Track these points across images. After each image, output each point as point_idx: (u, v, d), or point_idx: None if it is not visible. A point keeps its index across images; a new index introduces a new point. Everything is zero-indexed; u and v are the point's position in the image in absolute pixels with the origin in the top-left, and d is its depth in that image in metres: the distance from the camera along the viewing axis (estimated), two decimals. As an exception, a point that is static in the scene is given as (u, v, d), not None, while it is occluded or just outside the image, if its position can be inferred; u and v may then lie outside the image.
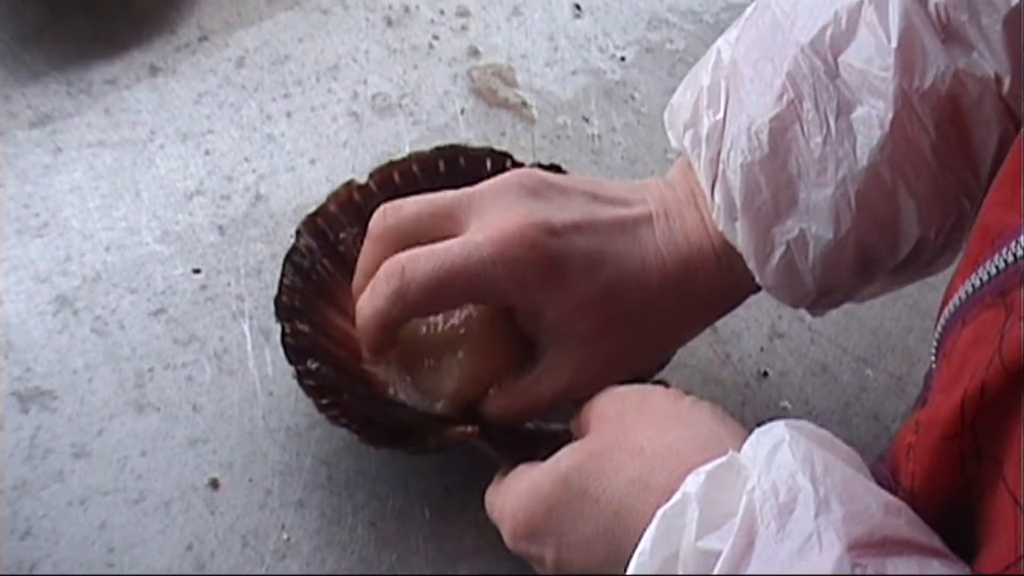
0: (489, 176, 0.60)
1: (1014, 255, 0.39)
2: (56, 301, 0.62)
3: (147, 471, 0.58)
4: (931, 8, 0.49)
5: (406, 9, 0.78)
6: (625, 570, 0.42)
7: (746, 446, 0.43)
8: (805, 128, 0.50)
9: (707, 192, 0.54)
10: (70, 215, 0.65)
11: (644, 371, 0.59)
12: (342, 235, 0.60)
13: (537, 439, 0.55)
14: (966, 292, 0.41)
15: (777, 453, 0.41)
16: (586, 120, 0.75)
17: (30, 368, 0.60)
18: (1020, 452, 0.35)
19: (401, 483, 0.59)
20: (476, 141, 0.72)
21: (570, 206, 0.54)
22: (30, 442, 0.57)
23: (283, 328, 0.56)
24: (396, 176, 0.61)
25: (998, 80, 0.48)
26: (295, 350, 0.56)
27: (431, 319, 0.56)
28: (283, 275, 0.58)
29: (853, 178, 0.50)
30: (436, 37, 0.77)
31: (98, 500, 0.56)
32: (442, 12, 0.78)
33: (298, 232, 0.60)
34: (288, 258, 0.59)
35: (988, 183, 0.50)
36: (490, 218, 0.53)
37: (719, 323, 0.66)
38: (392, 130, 0.72)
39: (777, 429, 0.42)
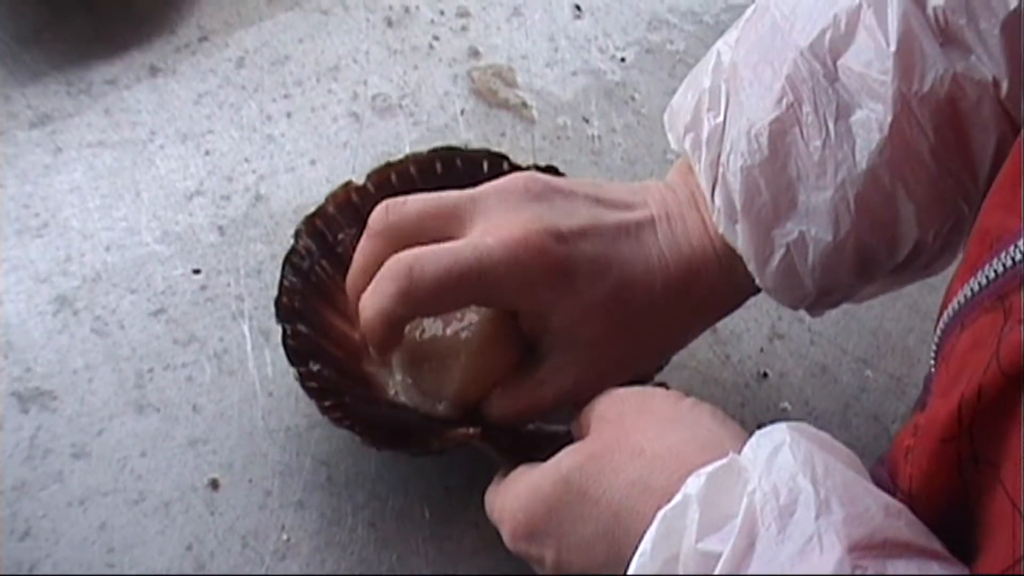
0: (486, 177, 0.60)
1: (1013, 259, 0.39)
2: (56, 301, 0.62)
3: (147, 471, 0.58)
4: (929, 12, 0.49)
5: (406, 10, 0.78)
6: (625, 571, 0.42)
7: (746, 448, 0.43)
8: (804, 131, 0.51)
9: (707, 195, 0.54)
10: (70, 215, 0.65)
11: (644, 373, 0.59)
12: (340, 236, 0.60)
13: (538, 440, 0.55)
14: (965, 296, 0.41)
15: (778, 455, 0.41)
16: (586, 121, 0.75)
17: (30, 368, 0.60)
18: (1017, 455, 0.35)
19: (401, 484, 0.59)
20: (476, 142, 0.72)
21: (575, 211, 0.54)
22: (30, 442, 0.57)
23: (284, 330, 0.56)
24: (393, 177, 0.62)
25: (996, 84, 0.48)
26: (296, 352, 0.56)
27: (433, 321, 0.56)
28: (283, 276, 0.58)
29: (852, 181, 0.50)
30: (436, 38, 0.77)
31: (98, 500, 0.56)
32: (442, 13, 0.78)
33: (297, 233, 0.60)
34: (287, 259, 0.59)
35: (986, 186, 0.50)
36: (495, 221, 0.53)
37: (719, 324, 0.66)
38: (392, 131, 0.72)
39: (778, 431, 0.43)
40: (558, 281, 0.52)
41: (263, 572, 0.56)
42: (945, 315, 0.43)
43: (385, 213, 0.55)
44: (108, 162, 0.68)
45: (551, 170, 0.63)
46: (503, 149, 0.69)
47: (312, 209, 0.61)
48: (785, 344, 0.68)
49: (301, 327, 0.57)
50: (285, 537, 0.57)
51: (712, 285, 0.55)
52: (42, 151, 0.67)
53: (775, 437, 0.42)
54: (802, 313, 0.64)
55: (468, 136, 0.72)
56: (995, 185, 0.43)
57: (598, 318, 0.53)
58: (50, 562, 0.54)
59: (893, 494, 0.41)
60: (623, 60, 0.78)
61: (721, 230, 0.53)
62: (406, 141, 0.71)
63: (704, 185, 0.54)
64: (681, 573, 0.41)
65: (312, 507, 0.58)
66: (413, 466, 0.59)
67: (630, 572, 0.42)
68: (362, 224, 0.58)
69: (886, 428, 0.66)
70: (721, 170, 0.53)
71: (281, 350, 0.56)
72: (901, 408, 0.66)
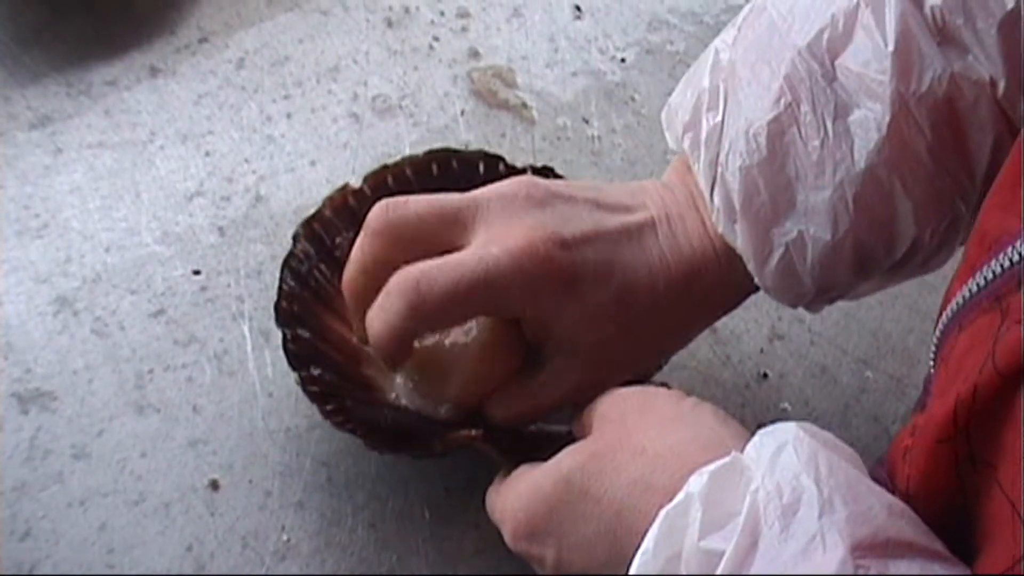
0: (482, 179, 0.61)
1: (1011, 260, 0.39)
2: (56, 302, 0.62)
3: (147, 472, 0.58)
4: (927, 11, 0.49)
5: (406, 10, 0.78)
6: (627, 571, 0.42)
7: (749, 447, 0.43)
8: (803, 131, 0.51)
9: (706, 194, 0.54)
10: (70, 216, 0.65)
11: (643, 372, 0.59)
12: (338, 240, 0.60)
13: (540, 441, 0.55)
14: (963, 297, 0.41)
15: (781, 454, 0.41)
16: (586, 121, 0.75)
17: (30, 369, 0.60)
18: (1014, 456, 0.35)
19: (401, 484, 0.59)
20: (476, 142, 0.72)
21: (576, 216, 0.54)
22: (30, 443, 0.58)
23: (284, 335, 0.56)
24: (390, 180, 0.61)
25: (993, 83, 0.48)
26: (297, 356, 0.56)
27: None
28: (282, 281, 0.58)
29: (851, 181, 0.50)
30: (436, 38, 0.77)
31: (98, 501, 0.56)
32: (442, 13, 0.78)
33: (295, 237, 0.60)
34: (286, 263, 0.59)
35: (983, 185, 0.50)
36: (498, 228, 0.53)
37: (719, 325, 0.66)
38: (392, 131, 0.72)
39: (781, 430, 0.43)
40: (564, 288, 0.52)
41: (263, 573, 0.56)
42: (944, 316, 0.43)
43: (385, 211, 0.54)
44: (108, 163, 0.68)
45: (548, 170, 0.63)
46: (503, 150, 0.69)
47: (310, 212, 0.61)
48: (785, 345, 0.68)
49: (301, 331, 0.57)
50: (285, 538, 0.57)
51: (713, 285, 0.55)
52: (42, 152, 0.67)
53: (779, 436, 0.42)
54: (802, 314, 0.64)
55: (468, 137, 0.72)
56: (994, 186, 0.43)
57: (602, 323, 0.53)
58: (50, 563, 0.54)
59: (892, 494, 0.41)
60: (623, 61, 0.78)
61: (720, 230, 0.54)
62: (406, 142, 0.72)
63: (703, 185, 0.54)
64: (683, 571, 0.41)
65: (312, 508, 0.58)
66: (413, 467, 0.59)
67: (632, 571, 0.42)
68: (359, 227, 0.58)
69: (886, 429, 0.66)
70: (720, 170, 0.53)
71: (281, 351, 0.56)
72: (901, 409, 0.66)
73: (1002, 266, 0.39)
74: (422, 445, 0.55)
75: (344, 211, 0.61)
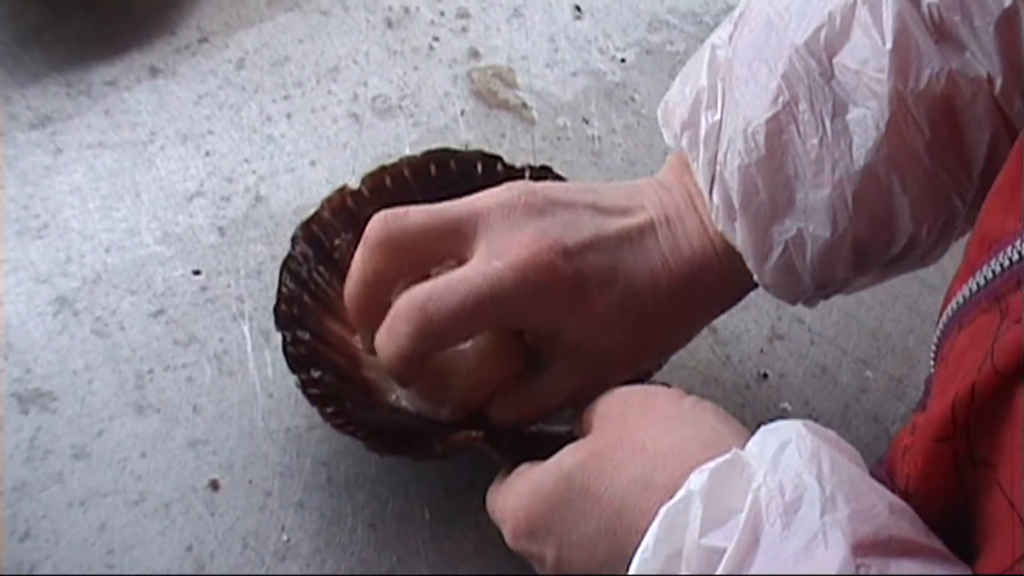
0: (480, 179, 0.60)
1: (1010, 259, 0.39)
2: (56, 302, 0.62)
3: (147, 472, 0.58)
4: (924, 9, 0.49)
5: (406, 11, 0.78)
6: (627, 569, 0.42)
7: (751, 444, 0.43)
8: (801, 130, 0.51)
9: (705, 193, 0.54)
10: (70, 216, 0.65)
11: (643, 371, 0.59)
12: (336, 242, 0.60)
13: (540, 442, 0.55)
14: (963, 296, 0.41)
15: (784, 452, 0.41)
16: (586, 122, 0.75)
17: (30, 369, 0.60)
18: (1012, 456, 0.35)
19: (401, 485, 0.59)
20: (476, 143, 0.72)
21: (577, 223, 0.53)
22: (30, 443, 0.58)
23: (284, 337, 0.56)
24: (388, 181, 0.61)
25: (990, 80, 0.49)
26: (297, 359, 0.56)
27: None
28: (281, 283, 0.58)
29: (850, 179, 0.50)
30: (436, 39, 0.77)
31: (98, 501, 0.56)
32: (442, 14, 0.78)
33: (294, 239, 0.60)
34: (285, 265, 0.59)
35: (980, 181, 0.50)
36: (500, 240, 0.53)
37: (719, 325, 0.66)
38: (392, 132, 0.72)
39: (784, 428, 0.42)
40: (569, 297, 0.52)
41: (263, 573, 0.56)
42: (944, 316, 0.43)
43: (384, 224, 0.54)
44: (108, 163, 0.68)
45: (546, 170, 0.63)
46: (503, 150, 0.69)
47: (309, 213, 0.61)
48: (785, 345, 0.68)
49: (301, 334, 0.57)
50: (285, 538, 0.57)
51: (713, 283, 0.55)
52: (42, 152, 0.67)
53: (782, 434, 0.42)
54: (802, 314, 0.64)
55: (468, 137, 0.72)
56: (994, 188, 0.43)
57: (606, 328, 0.53)
58: (50, 563, 0.54)
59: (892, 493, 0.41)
60: (623, 61, 0.78)
61: (720, 228, 0.54)
62: (406, 142, 0.72)
63: (702, 183, 0.54)
64: (684, 569, 0.40)
65: (312, 508, 0.58)
66: (413, 468, 0.59)
67: (632, 569, 0.42)
68: (357, 228, 0.58)
69: (886, 429, 0.66)
70: (718, 168, 0.53)
71: (281, 352, 0.56)
72: (901, 409, 0.66)
73: (1002, 266, 0.39)
74: (423, 447, 0.55)
75: (342, 212, 0.61)
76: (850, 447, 0.43)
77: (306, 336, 0.57)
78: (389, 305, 0.55)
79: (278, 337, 0.57)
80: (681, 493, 0.42)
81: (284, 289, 0.58)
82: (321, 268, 0.59)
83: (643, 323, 0.54)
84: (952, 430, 0.38)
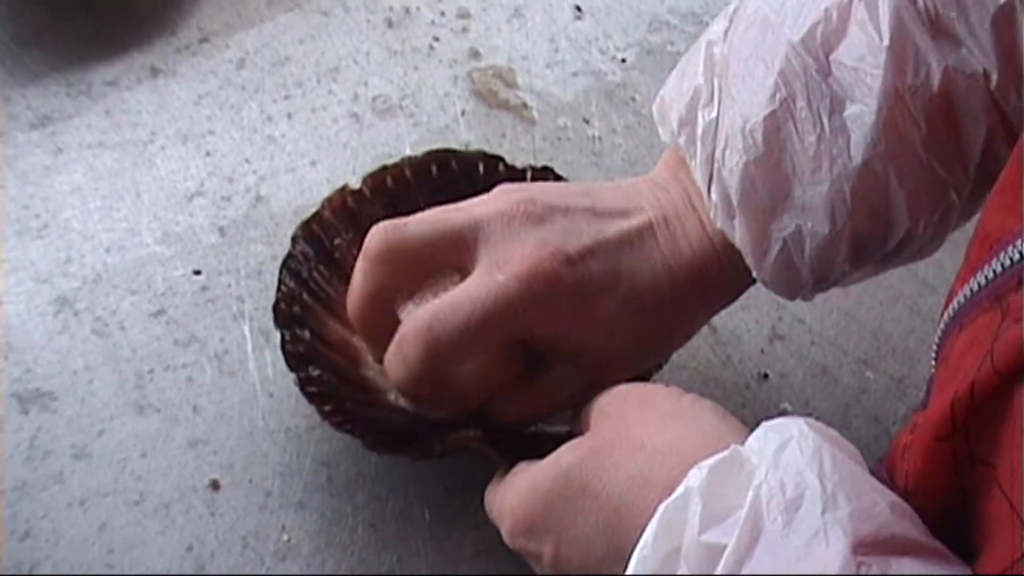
0: (482, 179, 0.60)
1: (1011, 259, 0.39)
2: (56, 302, 0.62)
3: (147, 472, 0.58)
4: (920, 5, 0.49)
5: (407, 11, 0.78)
6: (625, 567, 0.42)
7: (752, 440, 0.43)
8: (799, 127, 0.51)
9: (703, 191, 0.54)
10: (70, 216, 0.65)
11: (643, 370, 0.59)
12: (337, 241, 0.60)
13: (539, 442, 0.55)
14: (964, 296, 0.41)
15: (785, 450, 0.41)
16: (587, 122, 0.75)
17: (30, 369, 0.60)
18: (1012, 456, 0.35)
19: (401, 485, 0.59)
20: (477, 143, 0.72)
21: (576, 229, 0.53)
22: (30, 443, 0.57)
23: (282, 335, 0.56)
24: (389, 181, 0.61)
25: (986, 76, 0.49)
26: (296, 357, 0.56)
27: None
28: (280, 282, 0.58)
29: (848, 176, 0.50)
30: (437, 39, 0.77)
31: (98, 501, 0.56)
32: (443, 14, 0.78)
33: (294, 238, 0.60)
34: (285, 264, 0.59)
35: (975, 174, 0.51)
36: (501, 250, 0.53)
37: (720, 325, 0.66)
38: (393, 132, 0.72)
39: (786, 425, 0.42)
40: (573, 304, 0.52)
41: (263, 573, 0.56)
42: (946, 316, 0.43)
43: (384, 237, 0.54)
44: (108, 163, 0.68)
45: (548, 171, 0.63)
46: (503, 150, 0.69)
47: (310, 213, 0.61)
48: (786, 345, 0.68)
49: (300, 332, 0.57)
50: (285, 538, 0.57)
51: (713, 281, 0.55)
52: (42, 152, 0.67)
53: (783, 431, 0.42)
54: (803, 314, 0.64)
55: (468, 137, 0.72)
56: (996, 188, 0.44)
57: (610, 332, 0.53)
58: (50, 563, 0.54)
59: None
60: (624, 61, 0.78)
61: (719, 225, 0.54)
62: (406, 142, 0.72)
63: (700, 181, 0.54)
64: (683, 566, 0.40)
65: (312, 508, 0.58)
66: (413, 468, 0.59)
67: (630, 566, 0.42)
68: (358, 228, 0.58)
69: (886, 429, 0.66)
70: (716, 166, 0.53)
71: (281, 352, 0.56)
72: (902, 409, 0.66)
73: (1003, 265, 0.39)
74: (421, 446, 0.55)
75: (343, 212, 0.61)
76: (851, 446, 0.43)
77: (305, 335, 0.57)
78: (394, 316, 0.55)
79: (278, 337, 0.57)
80: (680, 490, 0.42)
81: (284, 288, 0.58)
82: (321, 267, 0.59)
83: (645, 324, 0.54)
84: (951, 429, 0.38)
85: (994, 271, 0.40)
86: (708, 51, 0.54)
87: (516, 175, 0.62)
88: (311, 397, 0.55)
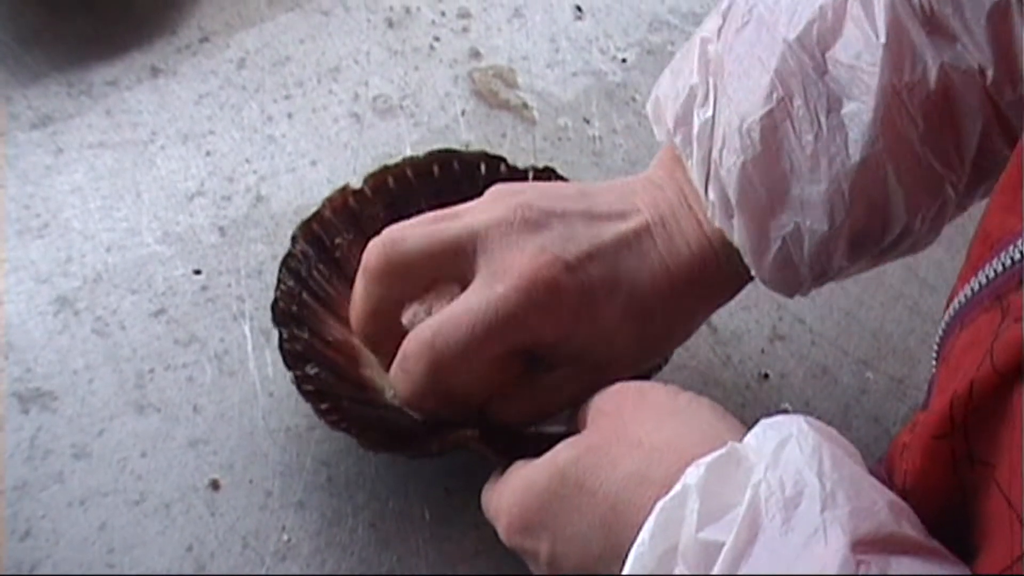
0: (483, 179, 0.60)
1: (1012, 259, 0.39)
2: (57, 302, 0.62)
3: (147, 472, 0.58)
4: (915, 2, 0.49)
5: (407, 11, 0.78)
6: (622, 565, 0.42)
7: (750, 437, 0.43)
8: (796, 125, 0.51)
9: (701, 190, 0.54)
10: (71, 216, 0.65)
11: (643, 369, 0.59)
12: (337, 241, 0.60)
13: (537, 441, 0.55)
14: (965, 296, 0.41)
15: (785, 448, 0.41)
16: (587, 122, 0.75)
17: (30, 369, 0.60)
18: (1012, 456, 0.35)
19: (401, 485, 0.59)
20: (477, 143, 0.72)
21: (574, 234, 0.53)
22: (30, 443, 0.58)
23: (280, 334, 0.56)
24: (390, 181, 0.61)
25: (982, 72, 0.49)
26: (293, 355, 0.56)
27: None
28: (280, 280, 0.58)
29: (846, 173, 0.50)
30: (437, 39, 0.77)
31: (98, 501, 0.56)
32: (443, 14, 0.78)
33: (294, 238, 0.60)
34: (284, 263, 0.59)
35: (971, 169, 0.51)
36: (500, 259, 0.53)
37: (720, 325, 0.66)
38: (393, 132, 0.72)
39: (785, 423, 0.42)
40: (574, 310, 0.52)
41: (263, 573, 0.56)
42: (946, 315, 0.43)
43: (383, 251, 0.54)
44: (109, 163, 0.68)
45: (550, 171, 0.63)
46: (504, 150, 0.69)
47: (310, 212, 0.61)
48: (786, 345, 0.68)
49: (298, 331, 0.57)
50: (286, 538, 0.57)
51: (712, 280, 0.55)
52: (43, 152, 0.67)
53: (782, 429, 0.42)
54: (803, 314, 0.64)
55: (469, 137, 0.72)
56: (997, 188, 0.44)
57: (612, 336, 0.53)
58: (50, 562, 0.54)
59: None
60: (624, 61, 0.78)
61: (717, 225, 0.54)
62: (407, 142, 0.72)
63: (697, 181, 0.54)
64: (680, 564, 0.40)
65: (312, 508, 0.58)
66: (413, 467, 0.59)
67: (627, 564, 0.42)
68: (359, 228, 0.58)
69: (887, 430, 0.65)
70: (714, 166, 0.53)
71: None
72: (902, 410, 0.66)
73: (1003, 265, 0.39)
74: (418, 445, 0.55)
75: (344, 212, 0.61)
76: (850, 444, 0.43)
77: (304, 333, 0.57)
78: (399, 327, 0.55)
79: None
80: (677, 488, 0.41)
81: (283, 286, 0.58)
82: (321, 266, 0.59)
83: (646, 325, 0.54)
84: (950, 428, 0.38)
85: (995, 271, 0.40)
86: (702, 49, 0.54)
87: (518, 176, 0.62)
88: (307, 395, 0.55)
